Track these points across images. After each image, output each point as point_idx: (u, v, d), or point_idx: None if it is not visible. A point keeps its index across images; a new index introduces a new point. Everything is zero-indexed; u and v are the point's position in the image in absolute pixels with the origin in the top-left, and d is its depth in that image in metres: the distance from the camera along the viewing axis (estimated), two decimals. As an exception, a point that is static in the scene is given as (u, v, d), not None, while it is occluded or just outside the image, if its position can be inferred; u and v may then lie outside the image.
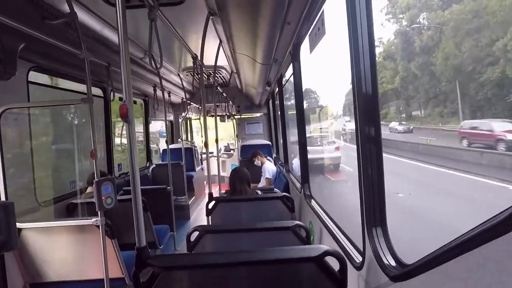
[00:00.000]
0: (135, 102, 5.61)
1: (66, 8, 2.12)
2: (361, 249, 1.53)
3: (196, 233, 1.98)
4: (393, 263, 1.26)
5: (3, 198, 2.20)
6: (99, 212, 2.19)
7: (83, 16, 2.51)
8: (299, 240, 1.94)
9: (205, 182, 7.62)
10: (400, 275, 1.15)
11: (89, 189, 3.34)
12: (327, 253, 1.21)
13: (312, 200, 3.04)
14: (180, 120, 8.12)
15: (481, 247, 0.73)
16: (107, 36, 2.93)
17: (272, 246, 1.83)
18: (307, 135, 5.18)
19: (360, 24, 1.38)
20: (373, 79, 1.37)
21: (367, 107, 1.40)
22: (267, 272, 1.31)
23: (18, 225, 2.20)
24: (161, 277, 1.21)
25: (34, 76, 2.87)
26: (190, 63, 4.73)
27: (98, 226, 2.22)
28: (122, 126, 5.44)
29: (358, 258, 1.66)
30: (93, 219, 2.24)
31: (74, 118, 4.48)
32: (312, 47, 2.43)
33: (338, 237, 1.99)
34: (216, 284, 1.30)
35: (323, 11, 2.08)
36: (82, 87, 3.75)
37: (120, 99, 4.51)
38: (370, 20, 1.37)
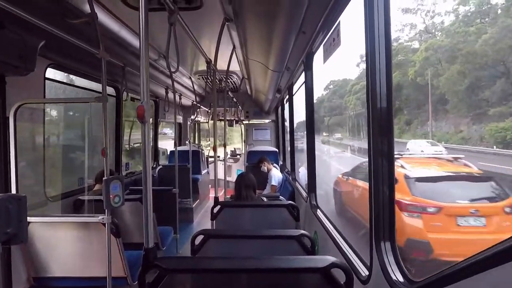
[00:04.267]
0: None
1: (87, 8, 2.17)
2: (368, 262, 1.51)
3: (200, 237, 1.97)
4: (401, 279, 1.24)
5: (13, 191, 2.24)
6: (106, 210, 2.21)
7: (102, 16, 2.57)
8: (304, 250, 1.92)
9: (210, 186, 7.62)
10: None
11: (96, 187, 3.37)
12: (334, 264, 1.20)
13: (318, 210, 3.02)
14: (188, 123, 8.17)
15: (495, 268, 0.71)
16: (124, 37, 2.99)
17: (276, 254, 1.82)
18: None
19: (377, 35, 1.38)
20: (388, 93, 1.37)
21: (380, 120, 1.39)
22: (271, 280, 1.30)
23: (28, 218, 2.23)
24: (167, 279, 1.21)
25: (50, 73, 2.94)
26: (202, 66, 4.78)
27: (104, 224, 2.23)
28: (131, 126, 5.51)
29: (364, 271, 1.64)
30: (100, 217, 2.26)
31: (85, 116, 4.55)
32: (326, 57, 2.43)
33: (344, 249, 1.97)
34: None
35: (339, 22, 2.08)
36: (93, 85, 3.82)
37: (132, 99, 4.57)
38: (388, 32, 1.37)
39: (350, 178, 6.06)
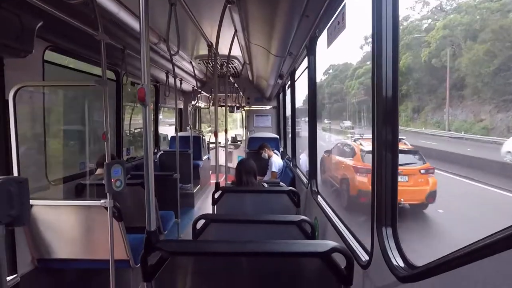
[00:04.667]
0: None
1: None
2: (368, 247, 1.52)
3: (202, 221, 1.99)
4: (401, 264, 1.25)
5: (15, 174, 2.25)
6: (108, 194, 2.22)
7: None
8: (304, 235, 1.93)
9: (210, 171, 7.66)
10: (409, 276, 1.14)
11: (98, 171, 3.38)
12: (334, 249, 1.21)
13: (319, 196, 3.04)
14: (189, 109, 8.13)
15: (495, 255, 0.71)
16: (123, 19, 2.92)
17: (276, 239, 1.84)
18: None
19: (385, 19, 1.34)
20: (394, 81, 1.35)
21: (386, 107, 1.37)
22: (272, 264, 1.31)
23: (30, 201, 2.25)
24: (168, 261, 1.22)
25: (49, 55, 2.89)
26: (203, 51, 4.71)
27: (106, 208, 2.25)
28: (132, 111, 5.47)
29: (364, 256, 1.65)
30: (102, 201, 2.27)
31: (85, 100, 4.52)
32: (330, 41, 2.38)
33: (344, 235, 1.98)
34: (222, 272, 1.31)
35: (344, 5, 2.03)
36: (94, 69, 3.77)
37: (132, 83, 4.52)
38: (396, 19, 1.33)
39: (329, 154, 8.98)
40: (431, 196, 5.54)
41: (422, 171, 5.66)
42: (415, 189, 5.50)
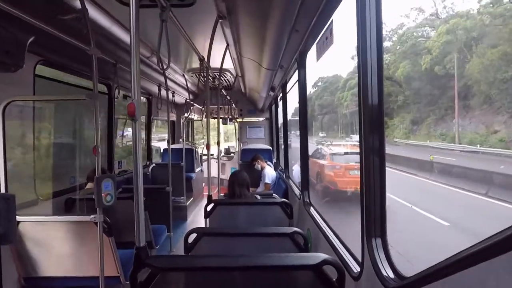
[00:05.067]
0: (138, 101, 5.62)
1: (77, 3, 2.14)
2: (359, 259, 1.52)
3: (194, 235, 1.97)
4: (391, 275, 1.25)
5: (3, 191, 2.20)
6: (98, 209, 2.19)
7: (93, 12, 2.53)
8: (297, 247, 1.93)
9: (203, 184, 7.61)
10: (399, 287, 1.15)
11: (88, 185, 3.33)
12: (325, 261, 1.21)
13: (311, 208, 3.04)
14: (182, 121, 8.13)
15: (484, 263, 0.72)
16: (115, 34, 2.95)
17: (269, 252, 1.83)
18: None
19: (369, 33, 1.39)
20: (379, 90, 1.38)
21: (372, 117, 1.40)
22: (264, 278, 1.31)
23: (17, 218, 2.20)
24: (158, 278, 1.21)
25: (40, 69, 2.89)
26: (196, 64, 4.75)
27: (96, 223, 2.21)
28: (124, 124, 5.45)
29: (355, 268, 1.65)
30: (92, 216, 2.24)
31: (76, 114, 4.49)
32: (319, 55, 2.44)
33: (336, 246, 1.98)
34: (214, 287, 1.30)
35: (332, 21, 2.09)
36: (85, 82, 3.76)
37: (124, 97, 4.52)
38: (379, 31, 1.38)
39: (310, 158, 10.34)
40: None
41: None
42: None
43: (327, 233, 2.25)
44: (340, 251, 1.90)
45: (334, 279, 1.22)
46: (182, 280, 1.32)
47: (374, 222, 1.39)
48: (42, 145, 3.55)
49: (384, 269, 1.29)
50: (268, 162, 5.99)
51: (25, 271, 2.43)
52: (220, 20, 2.64)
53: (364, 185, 1.43)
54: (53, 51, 2.73)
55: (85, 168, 3.60)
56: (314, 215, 2.77)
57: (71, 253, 2.43)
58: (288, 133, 5.42)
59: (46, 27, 2.04)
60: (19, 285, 2.43)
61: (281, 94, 5.37)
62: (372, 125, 1.41)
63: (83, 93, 3.11)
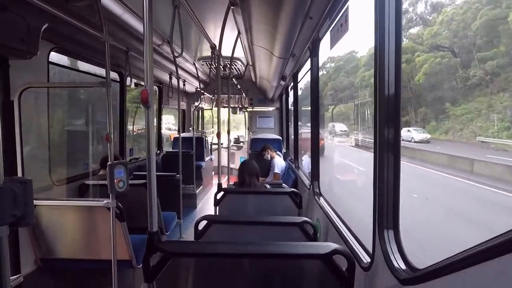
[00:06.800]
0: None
1: None
2: (370, 250, 1.52)
3: (204, 222, 1.99)
4: (403, 266, 1.25)
5: (20, 175, 2.26)
6: (110, 194, 2.23)
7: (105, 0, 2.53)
8: (306, 237, 1.93)
9: (213, 172, 7.67)
10: (411, 279, 1.14)
11: (101, 172, 3.40)
12: (336, 251, 1.21)
13: (321, 198, 3.03)
14: (192, 110, 8.16)
15: (500, 257, 0.71)
16: (127, 21, 2.94)
17: (278, 241, 1.84)
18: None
19: (388, 21, 1.34)
20: (396, 81, 1.34)
21: (388, 107, 1.37)
22: (273, 266, 1.31)
23: (34, 201, 2.27)
24: (170, 262, 1.23)
25: (54, 56, 2.92)
26: (207, 52, 4.73)
27: (109, 208, 2.26)
28: (135, 112, 5.51)
29: (365, 258, 1.65)
30: (105, 201, 2.28)
31: (89, 101, 4.55)
32: (333, 43, 2.38)
33: (346, 236, 1.98)
34: (223, 273, 1.31)
35: (347, 7, 2.03)
36: (98, 70, 3.79)
37: (136, 85, 4.55)
38: (399, 17, 1.33)
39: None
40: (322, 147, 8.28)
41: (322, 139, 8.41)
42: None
43: (336, 223, 2.24)
44: (350, 242, 1.89)
45: (344, 269, 1.22)
46: (193, 265, 1.34)
47: (387, 214, 1.37)
48: (57, 131, 3.62)
49: (396, 261, 1.28)
50: (278, 152, 5.98)
51: (42, 252, 2.52)
52: (232, 7, 2.60)
53: (378, 177, 1.41)
54: (66, 38, 2.75)
55: (98, 154, 3.67)
56: (323, 205, 2.76)
57: (85, 237, 2.50)
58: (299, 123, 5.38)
59: (60, 13, 2.04)
60: (36, 266, 2.53)
61: (292, 84, 5.30)
62: (387, 117, 1.38)
63: (96, 81, 3.14)
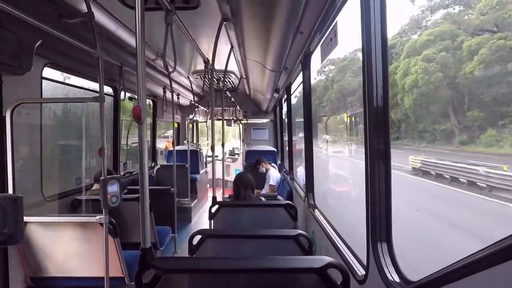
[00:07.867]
0: (144, 102, 5.67)
1: (83, 7, 2.17)
2: (365, 262, 1.51)
3: (198, 237, 1.98)
4: (397, 279, 1.24)
5: (10, 191, 2.23)
6: (103, 210, 2.21)
7: (99, 16, 2.56)
8: (301, 250, 1.92)
9: (208, 185, 7.62)
10: None
11: (94, 186, 3.36)
12: (330, 265, 1.20)
13: (316, 210, 3.02)
14: (187, 122, 8.17)
15: (492, 268, 0.71)
16: (121, 37, 2.98)
17: (274, 254, 1.82)
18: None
19: (374, 34, 1.38)
20: (384, 93, 1.37)
21: (377, 119, 1.39)
22: (268, 280, 1.30)
23: (24, 218, 2.23)
24: (163, 279, 1.21)
25: (47, 72, 2.92)
26: (200, 66, 4.78)
27: (101, 224, 2.23)
28: (129, 126, 5.50)
29: (360, 271, 1.64)
30: (97, 217, 2.26)
31: (83, 115, 4.53)
32: (323, 57, 2.43)
33: (341, 249, 1.97)
34: None
35: (336, 22, 2.08)
36: (91, 85, 3.80)
37: (130, 98, 4.56)
38: (384, 32, 1.37)
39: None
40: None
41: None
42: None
43: (332, 235, 2.24)
44: (345, 254, 1.89)
45: (338, 283, 1.21)
46: (187, 282, 1.32)
47: (380, 227, 1.38)
48: (49, 146, 3.59)
49: (390, 274, 1.27)
50: (273, 164, 5.98)
51: (32, 270, 2.46)
52: (224, 23, 2.65)
53: (369, 189, 1.42)
54: (60, 54, 2.77)
55: (91, 169, 3.63)
56: (318, 218, 2.76)
57: (77, 254, 2.45)
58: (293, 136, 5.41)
59: (53, 30, 2.06)
60: (25, 285, 2.46)
61: (285, 96, 5.37)
62: (377, 127, 1.39)
63: (89, 95, 3.15)
